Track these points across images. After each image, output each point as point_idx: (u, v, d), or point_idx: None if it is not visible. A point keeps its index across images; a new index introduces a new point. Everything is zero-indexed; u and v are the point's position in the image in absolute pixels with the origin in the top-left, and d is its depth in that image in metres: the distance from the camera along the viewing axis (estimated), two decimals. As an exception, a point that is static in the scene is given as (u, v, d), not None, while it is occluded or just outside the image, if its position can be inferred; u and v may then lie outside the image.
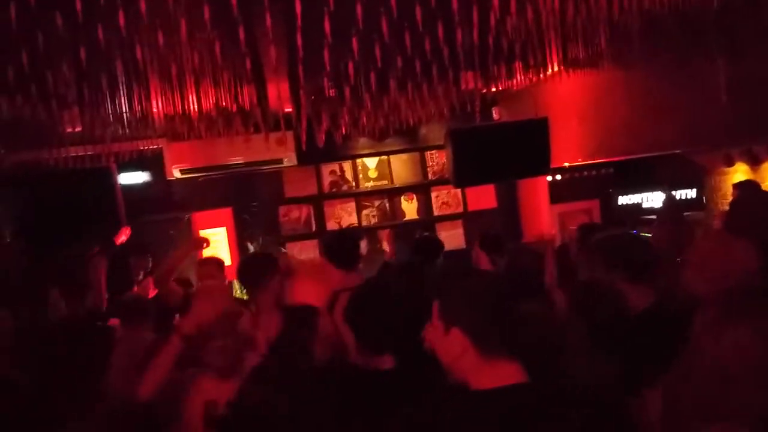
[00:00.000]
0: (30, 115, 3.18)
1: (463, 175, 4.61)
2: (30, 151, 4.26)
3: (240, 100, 3.80)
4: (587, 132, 5.26)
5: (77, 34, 2.36)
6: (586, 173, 6.32)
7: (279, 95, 3.85)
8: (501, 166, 4.54)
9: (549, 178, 6.14)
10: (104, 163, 4.34)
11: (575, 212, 6.19)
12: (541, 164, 4.66)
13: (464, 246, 6.36)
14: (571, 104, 5.33)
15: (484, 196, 6.49)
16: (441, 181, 6.41)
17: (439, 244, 4.02)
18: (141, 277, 4.51)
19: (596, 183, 6.36)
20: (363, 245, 3.14)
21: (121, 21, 2.21)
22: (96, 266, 4.10)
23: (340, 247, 3.06)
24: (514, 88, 5.40)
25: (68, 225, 3.83)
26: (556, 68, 4.18)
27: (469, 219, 6.49)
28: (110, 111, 3.70)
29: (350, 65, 3.17)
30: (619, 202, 6.33)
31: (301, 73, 3.44)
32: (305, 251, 6.02)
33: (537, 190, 6.40)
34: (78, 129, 3.98)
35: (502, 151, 4.49)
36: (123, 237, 4.32)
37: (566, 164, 5.79)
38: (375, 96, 3.90)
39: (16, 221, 3.59)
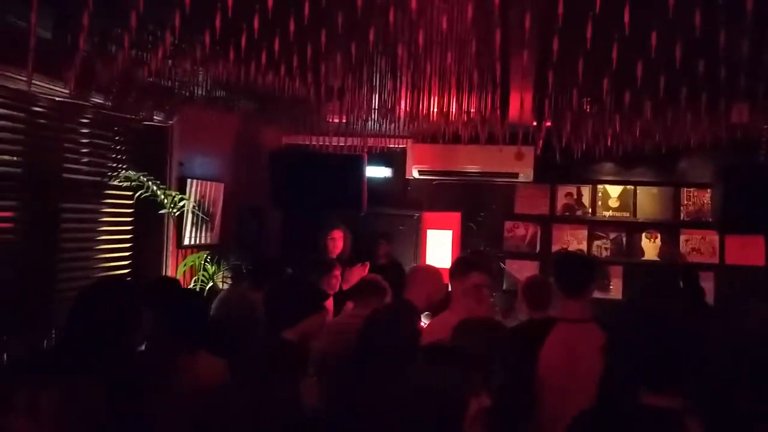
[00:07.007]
0: (304, 102, 3.69)
1: (730, 219, 3.99)
2: (300, 135, 4.97)
3: (484, 108, 3.87)
4: None
5: (350, 32, 2.64)
6: None
7: (522, 106, 3.83)
8: None
9: None
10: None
11: None
12: None
13: (712, 303, 5.46)
14: None
15: (748, 250, 5.47)
16: (696, 224, 5.62)
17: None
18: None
19: None
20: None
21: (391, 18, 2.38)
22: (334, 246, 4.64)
23: (570, 270, 2.79)
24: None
25: (318, 201, 4.39)
26: None
27: (723, 272, 5.55)
28: (368, 106, 4.12)
29: (605, 79, 2.98)
30: None
31: (550, 83, 3.35)
32: (524, 271, 5.84)
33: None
34: (341, 120, 4.50)
35: None
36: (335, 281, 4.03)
37: None
38: (626, 115, 3.59)
39: (278, 190, 4.21)
